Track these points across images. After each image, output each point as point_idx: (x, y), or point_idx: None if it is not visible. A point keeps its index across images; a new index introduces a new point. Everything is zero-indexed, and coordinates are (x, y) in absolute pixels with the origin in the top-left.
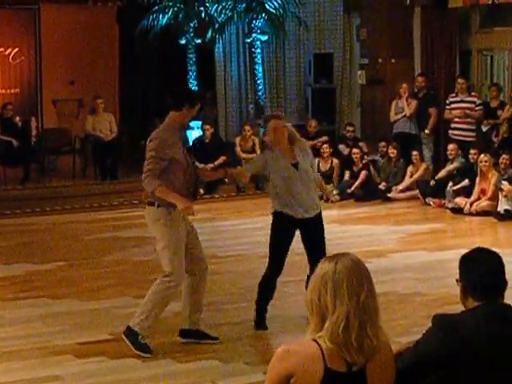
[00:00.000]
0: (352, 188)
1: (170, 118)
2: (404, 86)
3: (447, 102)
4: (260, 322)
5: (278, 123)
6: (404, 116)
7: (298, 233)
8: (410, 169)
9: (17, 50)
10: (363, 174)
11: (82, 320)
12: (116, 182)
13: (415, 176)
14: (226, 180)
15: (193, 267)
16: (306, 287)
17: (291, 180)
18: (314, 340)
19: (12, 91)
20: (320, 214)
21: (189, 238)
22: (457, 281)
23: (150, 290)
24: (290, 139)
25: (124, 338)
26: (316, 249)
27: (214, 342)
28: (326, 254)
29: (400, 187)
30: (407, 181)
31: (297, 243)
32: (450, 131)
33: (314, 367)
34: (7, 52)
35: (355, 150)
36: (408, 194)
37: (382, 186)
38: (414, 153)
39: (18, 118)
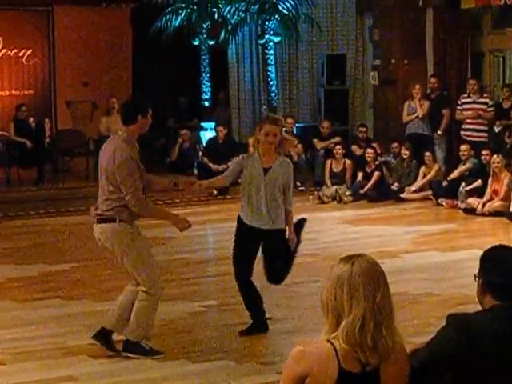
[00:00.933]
0: (365, 189)
1: (126, 133)
2: (417, 86)
3: (459, 102)
4: (259, 325)
5: (271, 129)
6: (416, 117)
7: (310, 235)
8: (422, 169)
9: (30, 51)
10: (376, 174)
11: (96, 321)
12: None
13: (428, 177)
14: (182, 188)
15: None
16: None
17: (254, 185)
18: (329, 341)
19: (26, 92)
20: (279, 231)
21: None
22: (475, 276)
23: (135, 307)
24: (278, 146)
25: (127, 354)
26: (269, 267)
27: (112, 352)
28: (279, 279)
29: (413, 188)
30: (420, 181)
31: (305, 245)
32: (462, 132)
33: (328, 368)
34: (21, 53)
35: (369, 151)
36: (421, 194)
37: (394, 187)
38: (427, 154)
39: (31, 120)
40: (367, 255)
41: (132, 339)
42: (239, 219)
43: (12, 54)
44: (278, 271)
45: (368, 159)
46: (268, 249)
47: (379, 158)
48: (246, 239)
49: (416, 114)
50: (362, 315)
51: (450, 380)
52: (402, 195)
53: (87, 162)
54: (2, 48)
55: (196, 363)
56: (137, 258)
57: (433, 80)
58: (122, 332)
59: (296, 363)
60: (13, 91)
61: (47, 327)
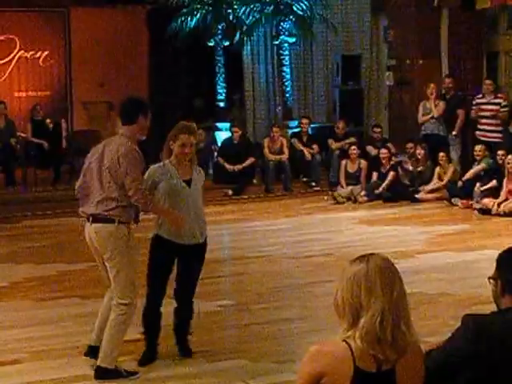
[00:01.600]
0: (380, 189)
1: (129, 132)
2: (432, 87)
3: (473, 102)
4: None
5: (188, 139)
6: (432, 117)
7: (325, 235)
8: (437, 170)
9: (47, 52)
10: (391, 174)
11: None
12: None
13: (446, 179)
14: None
15: None
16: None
17: (178, 198)
18: (344, 340)
19: (42, 94)
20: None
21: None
22: (489, 279)
23: (109, 324)
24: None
25: (101, 379)
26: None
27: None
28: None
29: (428, 188)
30: (435, 182)
31: (322, 245)
32: (477, 132)
33: (344, 367)
34: (37, 55)
35: (383, 151)
36: (435, 194)
37: (409, 187)
38: (441, 154)
39: (48, 121)
40: (380, 253)
41: (107, 366)
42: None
43: (29, 55)
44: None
45: (382, 159)
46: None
47: (394, 158)
48: (167, 255)
49: (431, 115)
50: (380, 310)
51: (465, 381)
52: (417, 195)
53: None
54: (19, 50)
55: (212, 362)
56: (123, 266)
57: (447, 80)
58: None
59: (312, 363)
60: (30, 92)
61: (64, 326)
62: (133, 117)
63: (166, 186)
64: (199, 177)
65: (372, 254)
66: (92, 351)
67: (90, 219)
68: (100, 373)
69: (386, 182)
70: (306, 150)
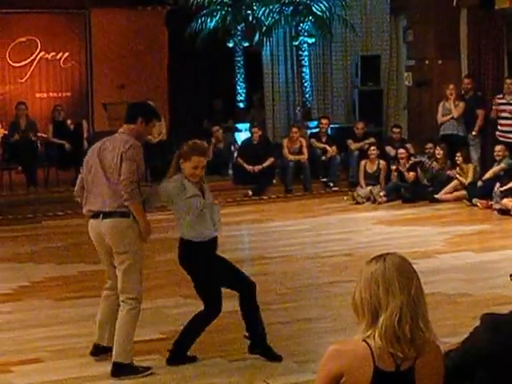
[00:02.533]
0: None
1: (128, 130)
2: (451, 87)
3: (493, 102)
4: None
5: (200, 161)
6: (451, 118)
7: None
8: (456, 170)
9: (67, 54)
10: (410, 175)
11: None
12: None
13: (467, 179)
14: None
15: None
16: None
17: (202, 212)
18: (364, 340)
19: (63, 95)
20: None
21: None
22: (511, 276)
23: (121, 321)
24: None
25: (119, 378)
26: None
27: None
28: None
29: (447, 188)
30: (454, 182)
31: (342, 246)
32: (498, 133)
33: (363, 367)
34: (58, 56)
35: (401, 151)
36: (455, 194)
37: (428, 187)
38: (458, 154)
39: (69, 122)
40: (397, 252)
41: (123, 361)
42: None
43: (49, 56)
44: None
45: (401, 159)
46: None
47: (413, 158)
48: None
49: (451, 115)
50: (399, 308)
51: (482, 380)
52: (436, 196)
53: None
54: (40, 51)
55: (232, 361)
56: (133, 262)
57: (466, 81)
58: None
59: (331, 362)
60: (50, 93)
61: (85, 325)
62: (132, 118)
63: (186, 203)
64: (208, 186)
65: (389, 254)
66: (97, 350)
67: (101, 215)
68: (117, 368)
69: (407, 182)
70: (328, 147)
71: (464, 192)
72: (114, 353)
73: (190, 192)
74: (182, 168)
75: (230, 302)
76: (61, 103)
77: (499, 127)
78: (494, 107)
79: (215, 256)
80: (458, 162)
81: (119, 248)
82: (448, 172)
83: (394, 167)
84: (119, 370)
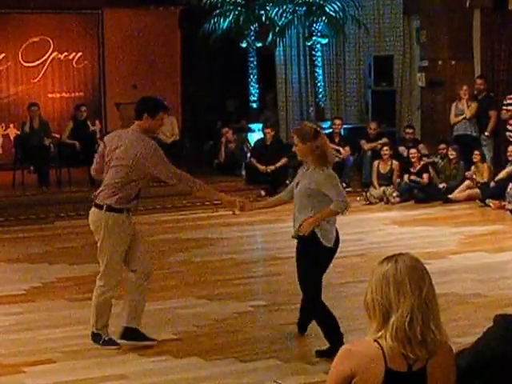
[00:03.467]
0: (413, 177)
1: (139, 127)
2: (464, 88)
3: (504, 102)
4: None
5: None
6: (464, 118)
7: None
8: (473, 169)
9: (80, 54)
10: (425, 176)
11: (146, 320)
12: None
13: (481, 179)
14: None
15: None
16: None
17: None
18: (375, 340)
19: (76, 95)
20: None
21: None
22: None
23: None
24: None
25: (126, 340)
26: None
27: (151, 343)
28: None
29: (460, 187)
30: (467, 181)
31: (355, 246)
32: (507, 133)
33: (375, 367)
34: (71, 56)
35: (412, 151)
36: (467, 192)
37: (441, 188)
38: (476, 153)
39: (90, 122)
40: (408, 253)
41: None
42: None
43: (62, 56)
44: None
45: (412, 159)
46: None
47: (425, 158)
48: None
49: (463, 116)
50: (410, 309)
51: (494, 380)
52: (449, 196)
53: None
54: (53, 51)
55: (244, 362)
56: (109, 250)
57: (479, 81)
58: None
59: (343, 363)
60: (63, 94)
61: None
62: (138, 114)
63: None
64: (309, 177)
65: (400, 254)
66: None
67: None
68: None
69: (421, 183)
70: (341, 148)
71: (477, 190)
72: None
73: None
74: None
75: (242, 303)
76: (74, 103)
77: (508, 127)
78: (503, 108)
79: None
80: (475, 161)
81: (97, 236)
82: (466, 173)
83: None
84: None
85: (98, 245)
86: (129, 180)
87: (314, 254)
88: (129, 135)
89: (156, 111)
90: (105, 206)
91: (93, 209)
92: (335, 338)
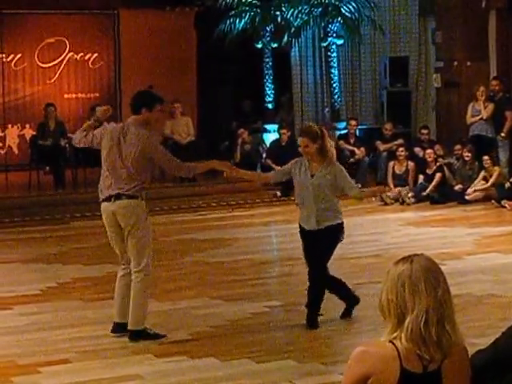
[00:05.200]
0: (427, 190)
1: (137, 121)
2: (481, 89)
3: None
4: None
5: (301, 141)
6: (481, 119)
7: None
8: (482, 173)
9: (96, 54)
10: (438, 176)
11: (162, 320)
12: (194, 185)
13: (490, 182)
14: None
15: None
16: None
17: (304, 188)
18: (390, 341)
19: (92, 95)
20: (328, 228)
21: None
22: None
23: (133, 292)
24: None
25: (135, 340)
26: (312, 262)
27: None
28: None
29: (474, 189)
30: (480, 185)
31: (370, 247)
32: None
33: (390, 368)
34: (87, 57)
35: (428, 152)
36: (482, 192)
37: (457, 189)
38: (485, 157)
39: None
40: (424, 254)
41: (138, 328)
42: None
43: (78, 57)
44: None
45: (428, 160)
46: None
47: (441, 159)
48: (304, 245)
49: (480, 116)
50: (425, 310)
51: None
52: (466, 197)
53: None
54: (69, 51)
55: (259, 363)
56: (146, 234)
57: (494, 82)
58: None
59: (358, 364)
60: (79, 94)
61: None
62: (136, 109)
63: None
64: (328, 172)
65: (416, 255)
66: (117, 327)
67: (115, 196)
68: (132, 335)
69: (434, 183)
70: (356, 149)
71: (492, 191)
72: (129, 322)
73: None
74: None
75: (257, 304)
76: (90, 104)
77: None
78: None
79: None
80: (486, 166)
81: (125, 226)
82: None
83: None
84: (136, 336)
85: (136, 235)
86: (145, 170)
87: (337, 239)
88: (131, 129)
89: (153, 104)
90: (138, 196)
91: (123, 201)
92: (349, 294)
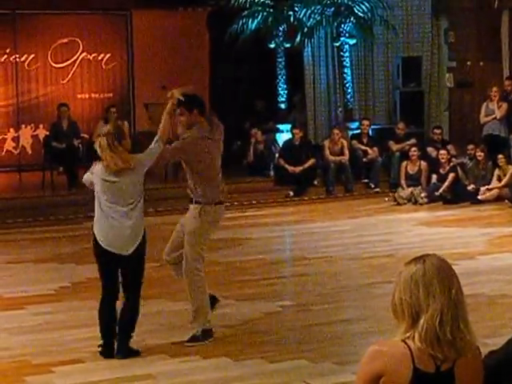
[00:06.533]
0: (440, 190)
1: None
2: (494, 89)
3: None
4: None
5: None
6: (494, 118)
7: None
8: (496, 172)
9: (109, 55)
10: (451, 176)
11: (174, 320)
12: None
13: (503, 182)
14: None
15: None
16: None
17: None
18: (403, 341)
19: (105, 95)
20: None
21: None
22: None
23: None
24: None
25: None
26: None
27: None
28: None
29: (487, 188)
30: (494, 184)
31: (383, 247)
32: None
33: (403, 368)
34: (100, 57)
35: (442, 152)
36: (495, 192)
37: (470, 189)
38: (500, 156)
39: (120, 123)
40: (436, 254)
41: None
42: None
43: (91, 57)
44: None
45: (442, 160)
46: None
47: (454, 159)
48: None
49: (494, 116)
50: (440, 310)
51: None
52: (479, 197)
53: (166, 163)
54: (82, 52)
55: (272, 363)
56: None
57: (507, 82)
58: None
59: (371, 363)
60: (92, 94)
61: None
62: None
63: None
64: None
65: (428, 255)
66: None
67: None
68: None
69: (447, 183)
70: (368, 149)
71: (506, 190)
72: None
73: None
74: None
75: (270, 303)
76: (103, 104)
77: None
78: None
79: None
80: (501, 164)
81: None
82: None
83: None
84: (196, 339)
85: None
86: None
87: None
88: None
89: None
90: None
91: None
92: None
